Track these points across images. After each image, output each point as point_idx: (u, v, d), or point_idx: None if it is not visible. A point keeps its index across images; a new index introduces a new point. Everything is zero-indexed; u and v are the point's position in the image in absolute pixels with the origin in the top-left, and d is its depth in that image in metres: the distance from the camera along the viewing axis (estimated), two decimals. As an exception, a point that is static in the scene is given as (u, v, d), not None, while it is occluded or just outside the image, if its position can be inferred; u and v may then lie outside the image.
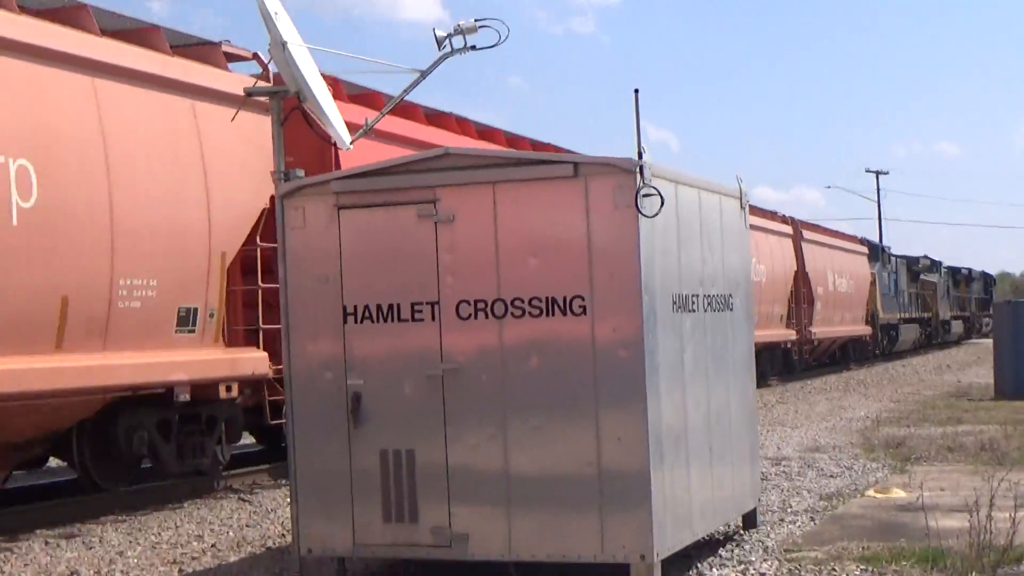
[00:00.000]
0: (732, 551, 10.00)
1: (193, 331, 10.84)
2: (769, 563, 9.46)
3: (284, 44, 9.26)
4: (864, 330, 49.47)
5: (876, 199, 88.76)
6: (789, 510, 11.97)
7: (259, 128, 11.36)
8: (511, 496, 8.67)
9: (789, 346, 38.70)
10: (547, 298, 8.67)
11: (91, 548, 11.54)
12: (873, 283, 50.82)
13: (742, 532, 10.77)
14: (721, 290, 10.22)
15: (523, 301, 8.71)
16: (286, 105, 9.75)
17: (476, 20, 9.78)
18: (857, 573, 9.00)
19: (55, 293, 12.05)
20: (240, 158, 14.21)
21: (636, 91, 9.16)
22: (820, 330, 41.62)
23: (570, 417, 8.57)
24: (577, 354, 8.58)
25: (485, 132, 21.79)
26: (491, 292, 8.78)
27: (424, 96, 21.11)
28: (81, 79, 12.47)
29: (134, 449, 14.03)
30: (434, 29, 9.94)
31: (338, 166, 13.94)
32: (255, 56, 15.43)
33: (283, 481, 15.48)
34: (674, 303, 9.11)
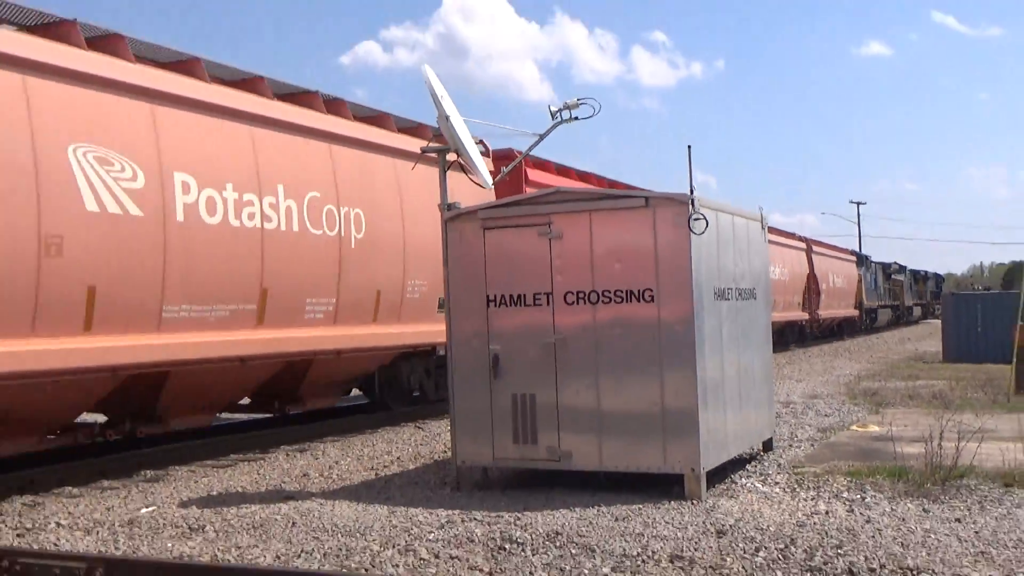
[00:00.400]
0: (755, 466, 10.07)
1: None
2: (782, 475, 9.54)
3: (447, 118, 9.51)
4: (853, 313, 49.71)
5: (857, 222, 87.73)
6: (795, 439, 11.98)
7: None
8: (602, 426, 8.84)
9: (803, 323, 39.67)
10: (627, 290, 8.82)
11: (316, 458, 11.91)
12: (860, 281, 51.11)
13: (762, 454, 10.82)
14: (748, 285, 10.27)
15: (610, 292, 8.88)
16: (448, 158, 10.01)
17: (578, 99, 9.92)
18: (844, 482, 9.03)
19: (373, 288, 13.85)
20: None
21: (689, 147, 9.39)
22: (824, 312, 42.26)
23: (642, 372, 8.72)
24: (647, 328, 8.73)
25: (583, 175, 21.90)
26: (587, 286, 8.95)
27: (541, 151, 21.49)
28: (387, 160, 14.11)
29: (411, 385, 16.23)
30: (549, 106, 10.13)
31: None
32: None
33: (444, 415, 15.83)
34: (715, 294, 9.22)
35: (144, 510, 8.86)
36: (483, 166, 9.99)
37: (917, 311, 75.77)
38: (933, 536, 7.03)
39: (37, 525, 8.39)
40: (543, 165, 19.86)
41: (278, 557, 7.03)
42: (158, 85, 10.72)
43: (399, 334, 14.43)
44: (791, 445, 11.50)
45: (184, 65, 11.50)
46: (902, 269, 67.57)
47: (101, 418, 11.70)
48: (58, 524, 8.41)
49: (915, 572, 6.14)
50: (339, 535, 7.62)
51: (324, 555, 7.04)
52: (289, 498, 9.21)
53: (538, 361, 9.08)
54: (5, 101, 9.08)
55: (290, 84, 13.35)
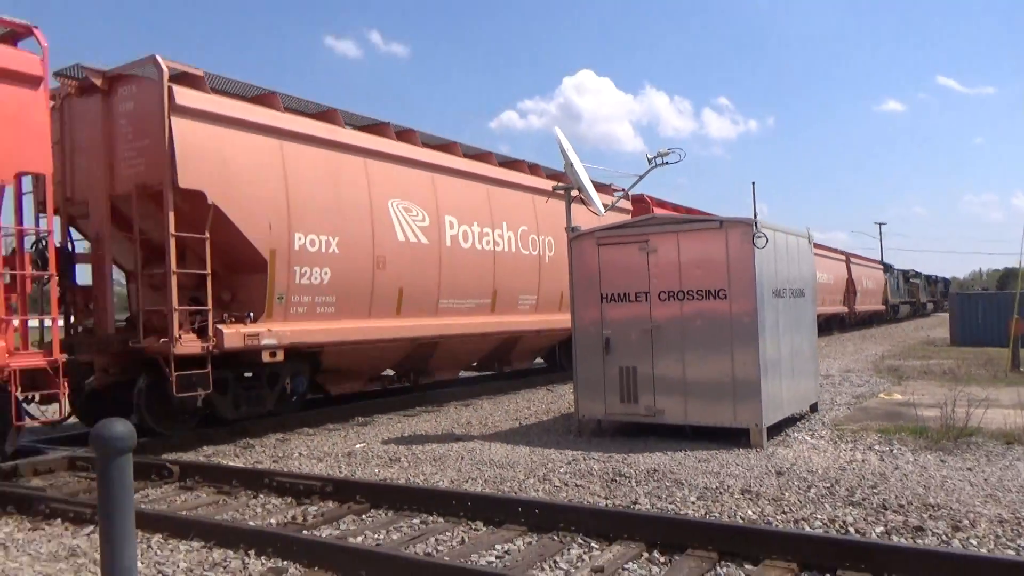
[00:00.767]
0: (804, 424, 9.64)
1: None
2: (826, 431, 9.09)
3: (572, 164, 9.46)
4: (881, 308, 47.33)
5: (879, 238, 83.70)
6: (835, 403, 11.42)
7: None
8: (686, 391, 8.62)
9: (844, 315, 38.33)
10: (705, 290, 8.57)
11: (476, 411, 11.97)
12: (886, 283, 48.68)
13: (809, 414, 10.34)
14: (798, 286, 9.84)
15: (693, 292, 8.64)
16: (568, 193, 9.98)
17: (668, 149, 9.71)
18: (876, 437, 8.55)
19: (558, 290, 14.24)
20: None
21: (753, 183, 9.21)
22: (859, 307, 40.62)
23: (717, 352, 8.45)
24: (721, 319, 8.46)
25: (664, 204, 21.40)
26: (676, 287, 8.74)
27: (642, 188, 21.23)
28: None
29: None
30: (646, 153, 9.99)
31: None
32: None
33: (567, 381, 15.78)
34: (773, 293, 8.86)
35: (358, 446, 9.11)
36: (598, 199, 9.86)
37: (930, 307, 71.76)
38: (949, 481, 6.58)
39: (285, 454, 8.73)
40: (640, 199, 19.61)
41: (452, 481, 7.11)
42: (434, 160, 12.28)
43: (562, 320, 14.55)
44: (832, 408, 10.97)
45: (448, 147, 12.92)
46: (918, 275, 64.55)
47: (390, 372, 12.87)
48: (300, 454, 8.73)
49: (936, 508, 5.75)
50: (494, 467, 7.66)
51: (484, 481, 7.09)
52: (458, 439, 9.32)
53: (638, 342, 8.93)
54: (356, 173, 10.73)
55: (504, 155, 14.45)
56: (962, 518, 5.47)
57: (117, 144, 9.02)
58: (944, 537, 5.10)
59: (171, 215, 8.52)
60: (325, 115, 10.66)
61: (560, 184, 10.21)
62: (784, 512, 5.76)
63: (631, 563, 4.84)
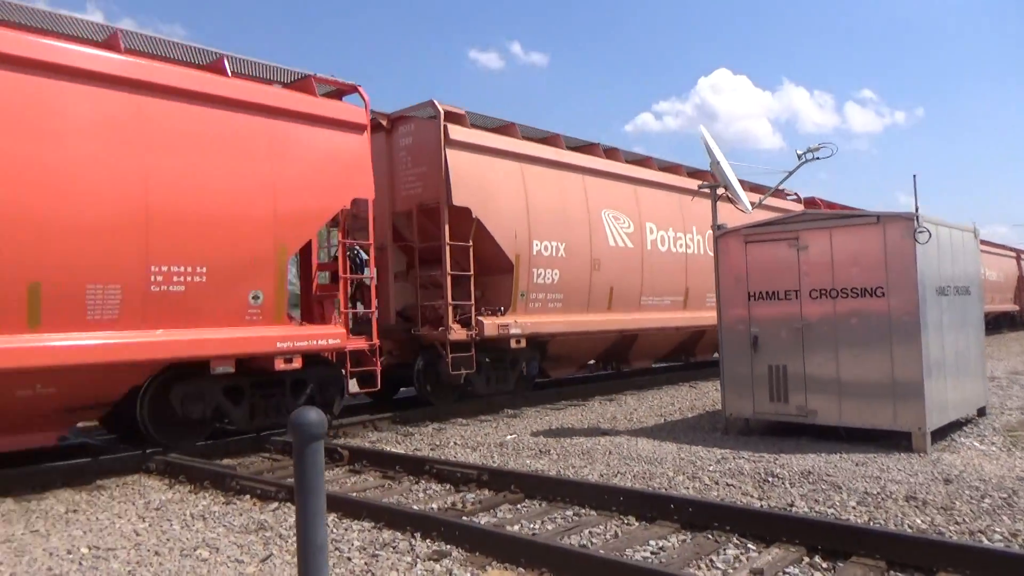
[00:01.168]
0: (972, 429, 8.82)
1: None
2: (997, 437, 8.27)
3: (717, 162, 9.14)
4: None
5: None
6: (1005, 408, 10.38)
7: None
8: (841, 391, 8.10)
9: (1014, 314, 35.32)
10: (862, 288, 8.03)
11: (621, 406, 11.80)
12: None
13: (976, 419, 9.46)
14: (963, 283, 9.01)
15: (847, 289, 8.11)
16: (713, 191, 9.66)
17: (820, 143, 9.20)
18: (1056, 446, 7.71)
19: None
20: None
21: (914, 176, 8.61)
22: None
23: (876, 351, 7.89)
24: (879, 317, 7.88)
25: (809, 201, 20.27)
26: (828, 284, 8.24)
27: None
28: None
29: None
30: (796, 150, 9.48)
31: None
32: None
33: (710, 378, 15.31)
34: (936, 290, 8.16)
35: (508, 437, 9.22)
36: (745, 197, 9.47)
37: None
38: None
39: (441, 443, 8.97)
40: (812, 202, 19.07)
41: (601, 475, 7.04)
42: (635, 174, 13.54)
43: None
44: (1002, 412, 9.97)
45: (644, 161, 14.09)
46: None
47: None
48: (455, 443, 8.94)
49: None
50: (642, 462, 7.52)
51: (633, 476, 6.97)
52: (604, 434, 9.23)
53: (788, 340, 8.49)
54: (576, 188, 12.19)
55: (691, 167, 14.85)
56: None
57: (397, 172, 10.91)
58: None
59: (446, 227, 10.28)
60: (549, 140, 12.30)
61: (705, 183, 9.87)
62: (956, 523, 5.27)
63: (792, 567, 4.58)
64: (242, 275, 7.88)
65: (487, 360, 11.02)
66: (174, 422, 8.10)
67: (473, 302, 10.41)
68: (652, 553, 4.90)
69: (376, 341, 9.29)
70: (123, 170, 7.13)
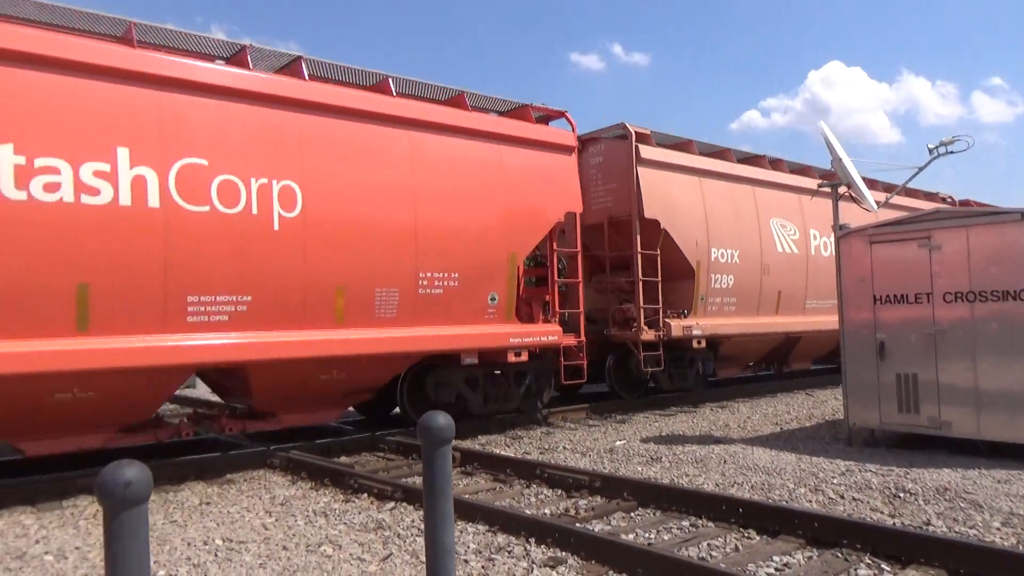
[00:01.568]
0: None
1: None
2: None
3: (839, 160, 8.74)
4: None
5: None
6: None
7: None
8: (979, 402, 7.57)
9: None
10: (1003, 290, 7.47)
11: (733, 413, 11.47)
12: None
13: None
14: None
15: (986, 292, 7.58)
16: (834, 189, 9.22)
17: (954, 136, 8.63)
18: None
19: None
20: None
21: None
22: None
23: (1021, 360, 7.34)
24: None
25: (932, 196, 18.89)
26: (965, 287, 7.72)
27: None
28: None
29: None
30: (927, 144, 9.00)
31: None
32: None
33: (827, 385, 14.65)
34: (1091, 293, 7.50)
35: (618, 443, 9.13)
36: (870, 195, 9.01)
37: None
38: None
39: (550, 447, 8.98)
40: (916, 193, 17.80)
41: (717, 485, 6.86)
42: (800, 183, 13.79)
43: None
44: None
45: (804, 170, 14.29)
46: None
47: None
48: (564, 448, 8.93)
49: None
50: (760, 473, 7.27)
51: (751, 487, 6.75)
52: (718, 442, 8.99)
53: (919, 347, 8.00)
54: (747, 198, 12.81)
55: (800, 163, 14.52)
56: None
57: (587, 188, 11.70)
58: None
59: (638, 238, 11.29)
60: (720, 153, 12.99)
61: (826, 182, 9.45)
62: (1123, 549, 4.81)
63: (932, 590, 4.31)
64: (483, 280, 9.23)
65: (669, 358, 11.95)
66: (425, 405, 9.54)
67: (661, 305, 11.44)
68: (776, 570, 4.72)
69: (583, 338, 10.40)
70: (401, 192, 8.53)
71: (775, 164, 13.89)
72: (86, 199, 6.51)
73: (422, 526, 5.63)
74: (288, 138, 7.70)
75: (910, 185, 11.06)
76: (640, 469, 7.62)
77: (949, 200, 17.55)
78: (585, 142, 11.92)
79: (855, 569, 4.65)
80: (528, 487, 7.04)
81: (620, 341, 11.53)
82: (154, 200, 6.85)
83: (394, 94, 8.81)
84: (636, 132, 11.40)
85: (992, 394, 7.52)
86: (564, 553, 5.02)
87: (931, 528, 5.39)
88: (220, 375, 8.34)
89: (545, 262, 10.44)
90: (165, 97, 7.02)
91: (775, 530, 5.38)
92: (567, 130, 10.44)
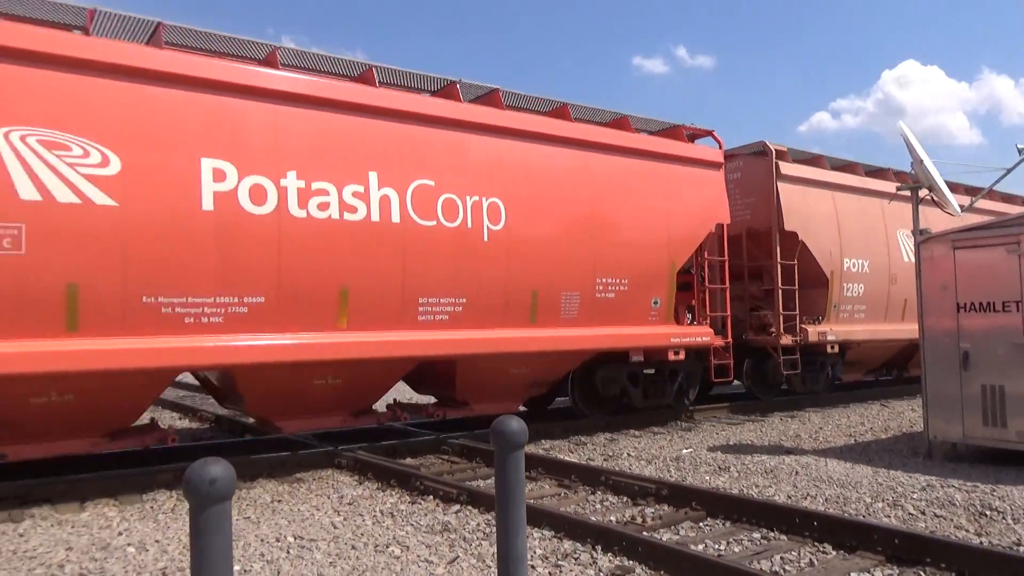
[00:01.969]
0: None
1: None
2: None
3: (921, 161, 8.41)
4: None
5: None
6: None
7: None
8: (1073, 417, 7.19)
9: None
10: (1100, 299, 7.08)
11: (803, 423, 11.16)
12: None
13: None
14: None
15: (1082, 301, 7.19)
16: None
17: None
18: None
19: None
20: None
21: None
22: None
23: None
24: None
25: (1011, 199, 17.96)
26: (1057, 296, 7.35)
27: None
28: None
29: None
30: (1016, 144, 8.57)
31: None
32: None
33: (905, 396, 14.11)
34: None
35: (685, 451, 8.98)
36: (953, 198, 8.65)
37: None
38: None
39: (614, 454, 8.90)
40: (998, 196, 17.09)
41: (789, 497, 6.67)
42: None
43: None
44: None
45: (897, 174, 14.21)
46: None
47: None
48: (628, 454, 8.83)
49: None
50: (834, 485, 7.05)
51: (825, 500, 6.54)
52: (788, 452, 8.75)
53: (1007, 358, 7.63)
54: (875, 211, 13.22)
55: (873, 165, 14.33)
56: None
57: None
58: None
59: (778, 249, 12.00)
60: (849, 167, 13.53)
61: (906, 185, 9.12)
62: None
63: (1025, 615, 4.09)
64: (648, 285, 10.14)
65: (804, 362, 12.54)
66: (593, 399, 10.72)
67: (798, 312, 12.10)
68: (855, 586, 4.56)
69: (730, 340, 11.13)
70: (581, 206, 9.53)
71: (900, 176, 13.98)
72: (347, 216, 7.73)
73: (488, 530, 5.65)
74: (493, 160, 8.90)
75: (994, 188, 10.56)
76: (708, 478, 7.48)
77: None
78: (724, 158, 12.33)
79: (940, 589, 4.46)
80: (593, 493, 6.98)
81: (759, 345, 12.26)
82: (396, 216, 8.05)
83: (572, 119, 9.86)
84: (776, 149, 12.22)
85: (1088, 409, 7.11)
86: (631, 562, 4.96)
87: (1022, 549, 5.11)
88: (427, 367, 9.02)
89: (690, 269, 11.09)
90: (403, 128, 8.27)
91: (852, 545, 5.20)
92: (715, 147, 11.32)
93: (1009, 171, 8.70)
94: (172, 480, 7.26)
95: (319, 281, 7.55)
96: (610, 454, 8.87)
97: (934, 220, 11.31)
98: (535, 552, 5.19)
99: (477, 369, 9.00)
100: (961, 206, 8.86)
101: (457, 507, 6.44)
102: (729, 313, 11.31)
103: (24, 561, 5.18)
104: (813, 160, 13.08)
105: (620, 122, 10.44)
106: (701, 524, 5.95)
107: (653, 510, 6.34)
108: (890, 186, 13.13)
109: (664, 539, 5.45)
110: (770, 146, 12.18)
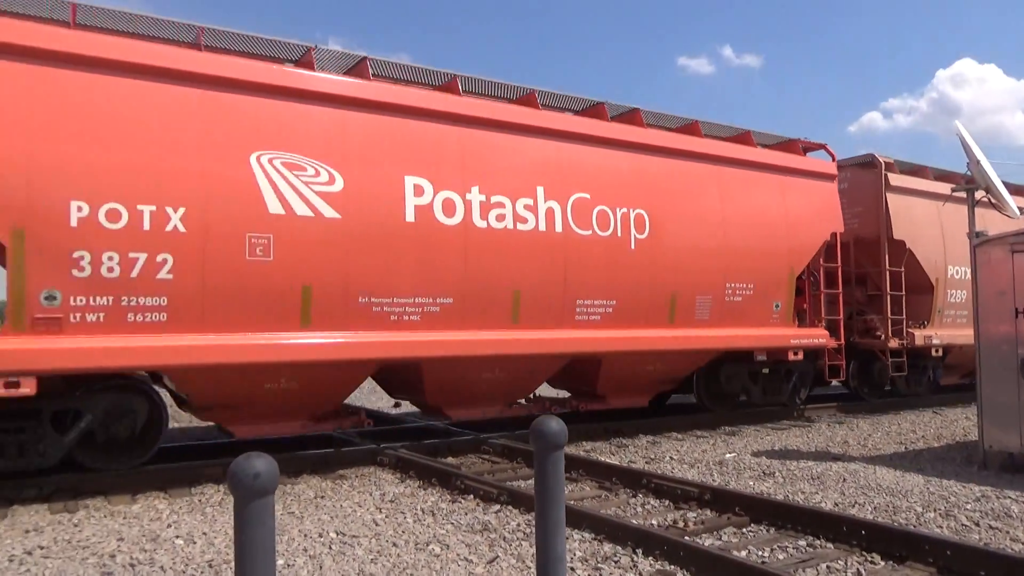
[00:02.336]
0: None
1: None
2: None
3: (977, 162, 8.15)
4: None
5: None
6: None
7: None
8: None
9: None
10: None
11: (852, 430, 10.90)
12: None
13: None
14: None
15: None
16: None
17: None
18: None
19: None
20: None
21: None
22: None
23: None
24: None
25: None
26: (1123, 301, 7.06)
27: None
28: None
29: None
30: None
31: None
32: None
33: (959, 404, 13.68)
34: None
35: (728, 455, 8.85)
36: (1012, 200, 8.36)
37: None
38: None
39: (656, 457, 8.81)
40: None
41: (836, 504, 6.52)
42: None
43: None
44: None
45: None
46: None
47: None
48: (670, 458, 8.74)
49: None
50: (883, 494, 6.86)
51: (874, 508, 6.37)
52: (836, 459, 8.56)
53: (1068, 366, 7.35)
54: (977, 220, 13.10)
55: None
56: None
57: None
58: None
59: (886, 256, 12.52)
60: (949, 178, 13.45)
61: (961, 186, 8.85)
62: None
63: (1086, 633, 3.92)
64: (770, 290, 10.83)
65: (910, 364, 12.88)
66: (717, 395, 11.45)
67: (904, 317, 12.56)
68: (904, 598, 4.43)
69: (842, 341, 11.70)
70: (715, 217, 10.29)
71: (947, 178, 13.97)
72: (520, 226, 8.62)
73: (527, 530, 5.64)
74: (637, 174, 9.68)
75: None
76: (752, 484, 7.35)
77: None
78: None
79: (994, 604, 4.30)
80: (634, 496, 6.91)
81: (867, 348, 12.73)
82: (559, 226, 8.90)
83: (702, 135, 10.60)
84: (884, 161, 12.72)
85: None
86: (673, 567, 4.89)
87: (1083, 564, 4.90)
88: (576, 364, 9.72)
89: (801, 275, 11.54)
90: (563, 146, 9.14)
91: (901, 555, 5.05)
92: (827, 160, 11.96)
93: (1072, 171, 8.37)
94: (220, 475, 7.41)
95: (496, 284, 8.47)
96: (652, 457, 8.79)
97: (991, 222, 10.99)
98: (575, 554, 5.16)
99: (619, 366, 9.84)
100: (1021, 208, 8.54)
101: (497, 507, 6.44)
102: (841, 317, 11.81)
103: (78, 551, 5.34)
104: (917, 171, 13.52)
105: (743, 137, 11.20)
106: (744, 530, 5.85)
107: (695, 514, 6.25)
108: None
109: (706, 544, 5.37)
110: (879, 158, 12.71)
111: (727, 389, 11.26)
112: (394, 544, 5.43)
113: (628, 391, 10.37)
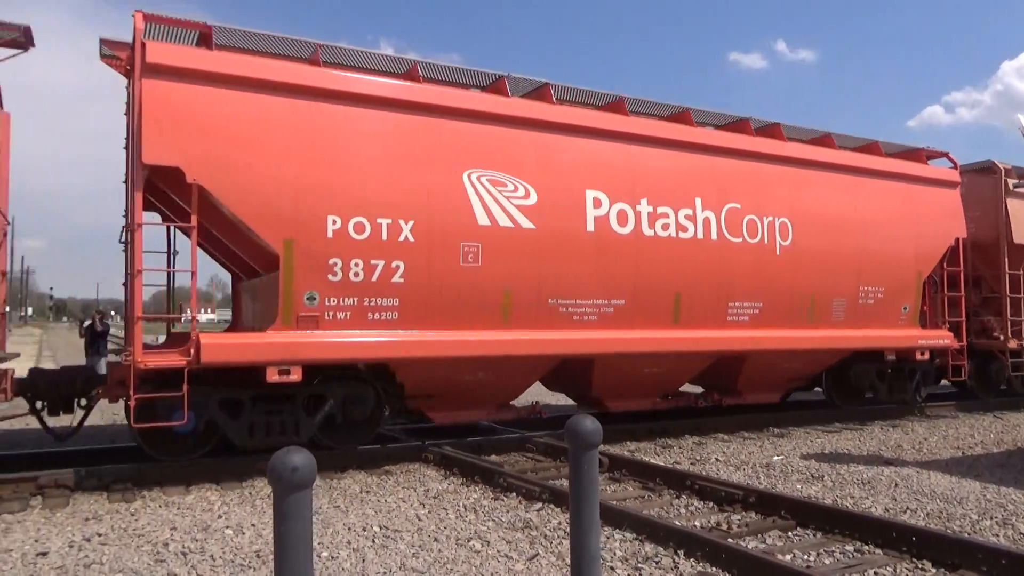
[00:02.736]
0: None
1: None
2: None
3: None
4: None
5: None
6: None
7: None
8: None
9: None
10: None
11: (907, 434, 10.56)
12: None
13: None
14: None
15: None
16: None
17: None
18: None
19: None
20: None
21: None
22: None
23: None
24: None
25: None
26: None
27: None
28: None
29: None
30: None
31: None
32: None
33: (1019, 408, 13.17)
34: None
35: (776, 458, 8.69)
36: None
37: None
38: None
39: (702, 458, 8.70)
40: None
41: (887, 509, 6.35)
42: None
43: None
44: None
45: None
46: None
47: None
48: (716, 459, 8.63)
49: None
50: (937, 500, 6.66)
51: (927, 514, 6.19)
52: (888, 463, 8.33)
53: None
54: None
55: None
56: None
57: None
58: None
59: (1006, 260, 12.80)
60: None
61: (1021, 181, 8.49)
62: None
63: None
64: (899, 294, 11.32)
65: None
66: (846, 392, 11.95)
67: (1023, 319, 12.87)
68: (955, 607, 4.29)
69: (964, 342, 12.07)
70: (850, 226, 10.81)
71: None
72: (681, 234, 9.33)
73: (568, 529, 5.63)
74: (782, 185, 10.31)
75: None
76: (799, 487, 7.21)
77: None
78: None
79: (1052, 616, 4.14)
80: (678, 497, 6.85)
81: (985, 349, 13.00)
82: (714, 234, 9.58)
83: (836, 147, 11.20)
84: (1004, 168, 12.92)
85: None
86: (714, 569, 4.84)
87: None
88: (721, 360, 10.28)
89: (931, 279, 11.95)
90: (716, 160, 9.84)
91: (954, 563, 4.89)
92: (950, 167, 12.30)
93: None
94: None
95: (661, 287, 9.21)
96: (698, 458, 8.69)
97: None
98: (615, 553, 5.14)
99: (761, 364, 10.47)
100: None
101: (539, 505, 6.45)
102: (963, 319, 12.13)
103: (133, 538, 5.53)
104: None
105: (872, 147, 11.71)
106: (790, 534, 5.74)
107: (740, 517, 6.17)
108: None
109: (750, 547, 5.29)
110: (999, 165, 12.95)
111: (856, 386, 11.69)
112: (436, 539, 5.49)
113: (764, 387, 10.99)
